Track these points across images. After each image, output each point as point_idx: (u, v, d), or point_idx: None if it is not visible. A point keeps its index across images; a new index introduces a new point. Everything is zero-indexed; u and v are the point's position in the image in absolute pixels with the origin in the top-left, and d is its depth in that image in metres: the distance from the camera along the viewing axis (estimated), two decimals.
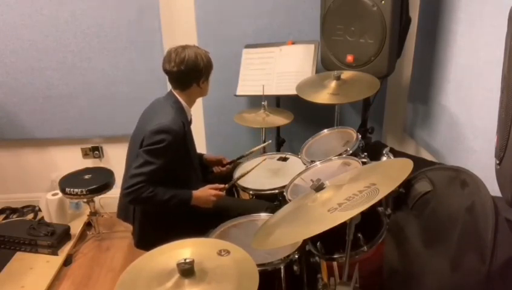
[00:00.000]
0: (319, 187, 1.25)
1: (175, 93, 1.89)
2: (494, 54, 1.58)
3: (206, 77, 1.89)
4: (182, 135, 1.82)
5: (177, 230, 1.56)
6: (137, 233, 1.96)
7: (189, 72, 1.81)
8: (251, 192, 1.99)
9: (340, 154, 1.84)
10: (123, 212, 2.03)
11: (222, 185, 1.90)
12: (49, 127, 2.82)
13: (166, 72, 1.85)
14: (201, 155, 2.22)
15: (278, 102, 2.59)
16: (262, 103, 2.35)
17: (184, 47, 1.83)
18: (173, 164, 1.82)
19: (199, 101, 2.75)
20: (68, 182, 2.60)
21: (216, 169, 2.20)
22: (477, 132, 1.74)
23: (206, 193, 1.85)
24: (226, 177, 2.13)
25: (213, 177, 2.17)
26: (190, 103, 1.94)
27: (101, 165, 2.93)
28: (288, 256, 1.45)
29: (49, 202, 2.74)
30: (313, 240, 1.54)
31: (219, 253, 1.15)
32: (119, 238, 2.79)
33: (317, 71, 2.41)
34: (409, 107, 2.53)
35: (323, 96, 2.04)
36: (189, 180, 1.94)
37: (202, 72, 1.85)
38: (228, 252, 1.15)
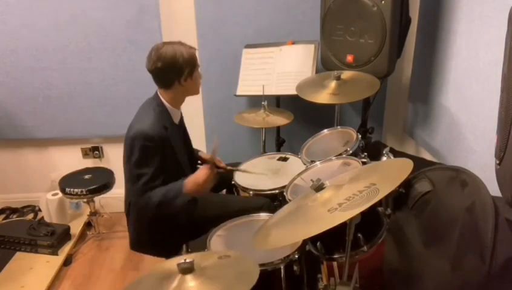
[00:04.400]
0: (319, 187, 1.25)
1: (160, 93, 1.82)
2: (494, 54, 1.58)
3: (188, 74, 1.75)
4: (162, 139, 1.73)
5: (173, 233, 1.53)
6: (132, 235, 1.92)
7: (167, 70, 1.71)
8: (251, 192, 1.99)
9: (340, 154, 1.83)
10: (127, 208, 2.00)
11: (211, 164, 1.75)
12: (49, 127, 2.82)
13: (148, 71, 1.78)
14: (197, 151, 2.16)
15: (278, 102, 2.59)
16: (262, 103, 2.35)
17: (166, 43, 1.75)
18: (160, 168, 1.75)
19: (199, 101, 2.76)
20: (68, 182, 2.60)
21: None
22: (477, 131, 1.74)
23: (196, 176, 1.73)
24: (225, 179, 2.13)
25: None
26: (176, 103, 1.85)
27: (101, 165, 2.93)
28: (288, 256, 1.45)
29: (49, 202, 2.74)
30: (313, 240, 1.54)
31: (220, 258, 1.15)
32: (119, 238, 2.79)
33: (317, 71, 2.41)
34: (409, 107, 2.53)
35: (323, 96, 2.03)
36: None
37: (182, 69, 1.73)
38: (228, 256, 1.15)
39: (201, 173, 1.73)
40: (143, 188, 1.69)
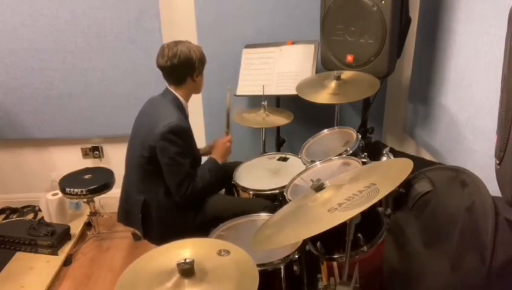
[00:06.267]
0: (319, 187, 1.25)
1: (172, 89, 1.90)
2: (494, 54, 1.58)
3: (199, 71, 1.90)
4: (188, 130, 1.87)
5: (182, 231, 1.56)
6: (157, 235, 1.96)
7: (183, 66, 1.83)
8: (251, 192, 1.99)
9: (340, 154, 1.84)
10: (124, 216, 2.02)
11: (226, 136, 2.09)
12: (49, 127, 2.82)
13: (160, 67, 1.86)
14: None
15: (278, 102, 2.59)
16: (262, 103, 2.35)
17: (177, 42, 1.85)
18: None
19: (199, 101, 2.76)
20: (68, 182, 2.60)
21: None
22: (477, 131, 1.73)
23: (219, 148, 2.04)
24: (225, 179, 2.14)
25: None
26: (187, 98, 1.97)
27: (101, 165, 2.93)
28: (288, 256, 1.45)
29: (49, 202, 2.74)
30: (313, 240, 1.54)
31: (219, 253, 1.15)
32: (119, 238, 2.79)
33: (317, 71, 2.41)
34: (409, 107, 2.53)
35: (323, 96, 2.04)
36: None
37: (195, 66, 1.86)
38: (228, 252, 1.15)
39: (221, 145, 2.05)
40: (187, 175, 1.80)
